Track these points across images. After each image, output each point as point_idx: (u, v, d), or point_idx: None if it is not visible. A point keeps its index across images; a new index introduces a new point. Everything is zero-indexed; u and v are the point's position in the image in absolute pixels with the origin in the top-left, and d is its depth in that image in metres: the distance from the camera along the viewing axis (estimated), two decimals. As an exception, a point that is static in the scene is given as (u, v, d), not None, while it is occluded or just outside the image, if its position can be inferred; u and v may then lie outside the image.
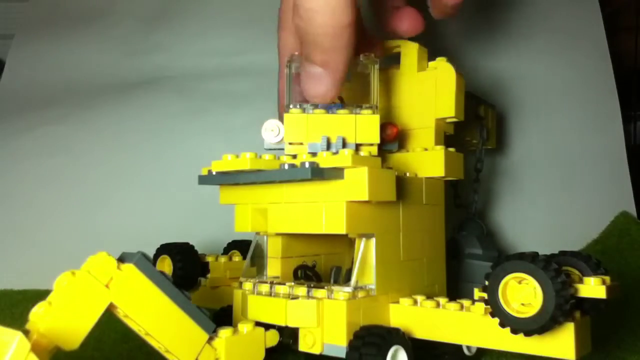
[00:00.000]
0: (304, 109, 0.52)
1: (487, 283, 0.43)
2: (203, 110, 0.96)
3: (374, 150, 0.52)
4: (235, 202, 0.54)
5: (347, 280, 0.49)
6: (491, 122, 0.77)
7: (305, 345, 0.47)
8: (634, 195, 0.95)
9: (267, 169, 0.49)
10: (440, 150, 0.56)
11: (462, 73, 0.58)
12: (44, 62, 1.04)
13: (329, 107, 0.52)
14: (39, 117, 0.97)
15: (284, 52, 0.58)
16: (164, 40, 1.03)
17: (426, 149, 0.57)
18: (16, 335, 0.28)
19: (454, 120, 0.58)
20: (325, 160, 0.46)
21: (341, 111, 0.51)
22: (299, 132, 0.52)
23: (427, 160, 0.56)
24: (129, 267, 0.38)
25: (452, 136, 0.61)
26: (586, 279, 0.43)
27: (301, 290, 0.48)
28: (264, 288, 0.50)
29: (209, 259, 0.63)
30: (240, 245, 0.67)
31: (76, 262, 0.37)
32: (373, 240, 0.49)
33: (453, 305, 0.47)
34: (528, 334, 0.41)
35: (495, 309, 0.43)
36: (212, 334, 0.42)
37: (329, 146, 0.50)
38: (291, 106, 0.52)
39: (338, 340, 0.45)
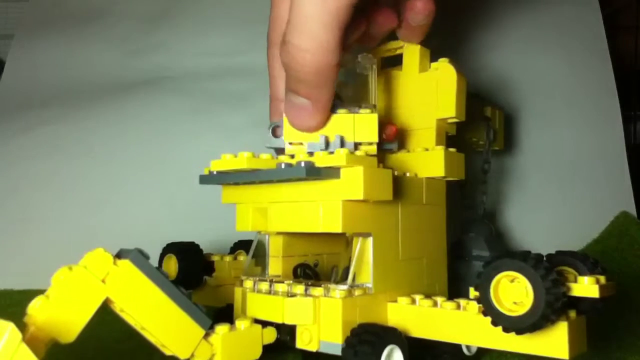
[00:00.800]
0: None
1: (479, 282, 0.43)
2: (203, 110, 0.96)
3: (373, 149, 0.52)
4: (236, 202, 0.54)
5: (344, 279, 0.50)
6: (498, 123, 0.77)
7: (302, 342, 0.47)
8: (634, 195, 0.95)
9: (265, 168, 0.49)
10: (440, 150, 0.56)
11: (464, 74, 0.58)
12: (44, 62, 1.05)
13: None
14: (38, 117, 0.98)
15: (275, 67, 0.57)
16: (163, 40, 1.03)
17: (427, 149, 0.57)
18: (8, 326, 0.28)
19: (455, 120, 0.58)
20: (321, 159, 0.47)
21: (340, 110, 0.52)
22: (298, 132, 0.52)
23: (427, 160, 0.57)
24: (125, 263, 0.38)
25: (458, 137, 0.61)
26: (580, 278, 0.43)
27: (299, 288, 0.48)
28: (264, 286, 0.51)
29: (215, 258, 0.64)
30: (247, 245, 0.67)
31: (77, 261, 0.38)
32: (370, 239, 0.49)
33: (449, 304, 0.47)
34: (519, 332, 0.41)
35: (487, 308, 0.43)
36: (209, 330, 0.43)
37: (327, 145, 0.50)
38: None
39: (334, 337, 0.46)
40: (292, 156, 0.50)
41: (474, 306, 0.45)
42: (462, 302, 0.47)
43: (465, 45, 0.96)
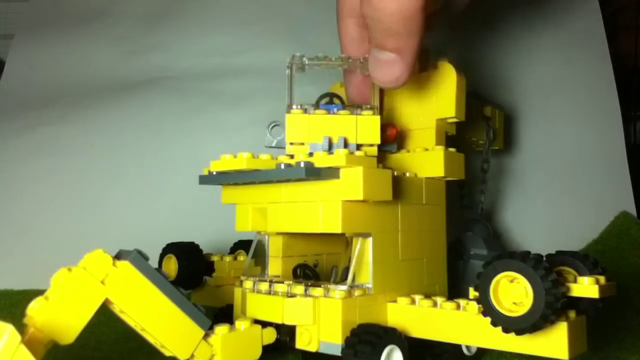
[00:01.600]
0: (306, 110, 0.52)
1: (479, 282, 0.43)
2: (203, 110, 0.96)
3: (373, 150, 0.52)
4: (235, 202, 0.54)
5: (344, 279, 0.50)
6: (498, 123, 0.77)
7: (302, 342, 0.47)
8: (634, 195, 0.95)
9: (264, 168, 0.49)
10: (439, 150, 0.56)
11: (464, 74, 0.58)
12: (44, 62, 1.05)
13: (330, 108, 0.52)
14: (38, 117, 0.98)
15: (348, 41, 0.57)
16: (163, 40, 1.03)
17: (427, 149, 0.57)
18: (7, 327, 0.28)
19: (455, 120, 0.58)
20: (321, 160, 0.47)
21: (342, 112, 0.52)
22: (301, 133, 0.52)
23: (427, 161, 0.57)
24: (124, 264, 0.38)
25: (457, 136, 0.61)
26: (580, 279, 0.43)
27: (299, 288, 0.48)
28: (264, 286, 0.51)
29: (214, 259, 0.64)
30: (247, 245, 0.68)
31: (76, 262, 0.38)
32: (370, 240, 0.49)
33: (449, 305, 0.47)
34: (519, 332, 0.41)
35: (487, 308, 0.43)
36: (209, 331, 0.43)
37: (330, 146, 0.50)
38: (293, 107, 0.52)
39: (334, 338, 0.46)
40: (292, 156, 0.50)
41: (473, 306, 0.45)
42: (462, 302, 0.47)
43: (465, 45, 0.96)
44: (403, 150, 0.59)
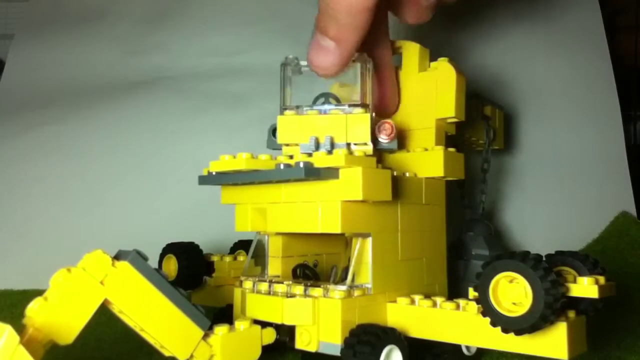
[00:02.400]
0: (298, 111, 0.52)
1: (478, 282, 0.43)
2: (203, 110, 0.96)
3: (369, 150, 0.52)
4: (235, 202, 0.54)
5: (343, 279, 0.50)
6: (498, 123, 0.77)
7: (301, 343, 0.47)
8: (634, 195, 0.95)
9: (264, 168, 0.49)
10: (439, 150, 0.56)
11: (464, 73, 0.58)
12: (44, 62, 1.05)
13: (322, 108, 0.52)
14: (38, 117, 0.98)
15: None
16: (163, 40, 1.03)
17: (426, 149, 0.57)
18: (5, 328, 0.28)
19: (455, 120, 0.58)
20: (320, 160, 0.47)
21: (333, 111, 0.52)
22: (292, 134, 0.52)
23: (427, 160, 0.57)
24: (124, 265, 0.38)
25: (458, 136, 0.61)
26: (579, 279, 0.43)
27: (298, 288, 0.48)
28: (263, 287, 0.51)
29: (214, 259, 0.64)
30: (247, 245, 0.68)
31: (76, 262, 0.38)
32: (369, 240, 0.49)
33: (449, 305, 0.47)
34: (518, 332, 0.41)
35: (486, 308, 0.43)
36: (208, 331, 0.43)
37: (318, 146, 0.50)
38: (286, 108, 0.53)
39: (333, 338, 0.46)
40: (291, 156, 0.50)
41: (473, 306, 0.45)
42: (462, 302, 0.47)
43: (465, 45, 0.96)
44: (403, 150, 0.59)
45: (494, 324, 0.42)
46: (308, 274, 0.56)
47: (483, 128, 0.73)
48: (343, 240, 0.62)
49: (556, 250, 0.47)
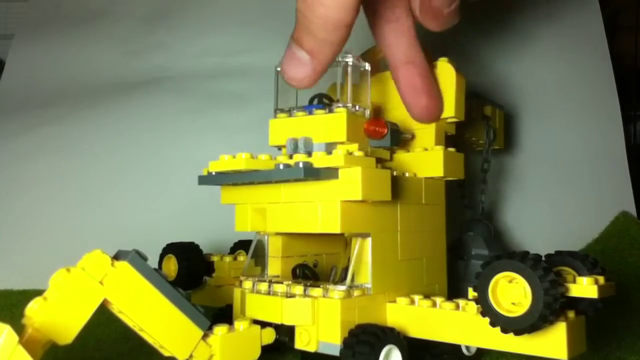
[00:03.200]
0: (290, 113, 0.53)
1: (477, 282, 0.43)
2: (202, 110, 0.96)
3: (354, 148, 0.51)
4: (235, 202, 0.54)
5: (343, 279, 0.50)
6: (499, 123, 0.77)
7: (300, 343, 0.47)
8: (634, 195, 0.95)
9: (263, 169, 0.49)
10: (439, 150, 0.56)
11: (463, 73, 0.58)
12: (44, 62, 1.05)
13: (310, 109, 0.52)
14: (38, 117, 0.98)
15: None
16: (163, 40, 1.03)
17: (426, 149, 0.57)
18: (4, 328, 0.28)
19: (454, 120, 0.58)
20: (320, 160, 0.47)
21: (318, 112, 0.52)
22: (281, 136, 0.52)
23: (427, 160, 0.57)
24: (123, 265, 0.38)
25: (458, 136, 0.61)
26: (578, 279, 0.43)
27: (298, 288, 0.48)
28: (263, 287, 0.50)
29: (214, 259, 0.64)
30: (247, 245, 0.67)
31: (76, 262, 0.38)
32: (369, 240, 0.49)
33: (448, 305, 0.47)
34: (518, 333, 0.41)
35: (485, 308, 0.43)
36: (208, 331, 0.43)
37: (296, 148, 0.51)
38: (278, 111, 0.53)
39: (333, 338, 0.46)
40: (291, 157, 0.50)
41: (472, 307, 0.45)
42: (461, 302, 0.47)
43: (465, 45, 0.96)
44: (402, 150, 0.58)
45: (493, 324, 0.42)
46: (308, 274, 0.56)
47: (483, 128, 0.73)
48: (343, 240, 0.62)
49: (556, 250, 0.47)
